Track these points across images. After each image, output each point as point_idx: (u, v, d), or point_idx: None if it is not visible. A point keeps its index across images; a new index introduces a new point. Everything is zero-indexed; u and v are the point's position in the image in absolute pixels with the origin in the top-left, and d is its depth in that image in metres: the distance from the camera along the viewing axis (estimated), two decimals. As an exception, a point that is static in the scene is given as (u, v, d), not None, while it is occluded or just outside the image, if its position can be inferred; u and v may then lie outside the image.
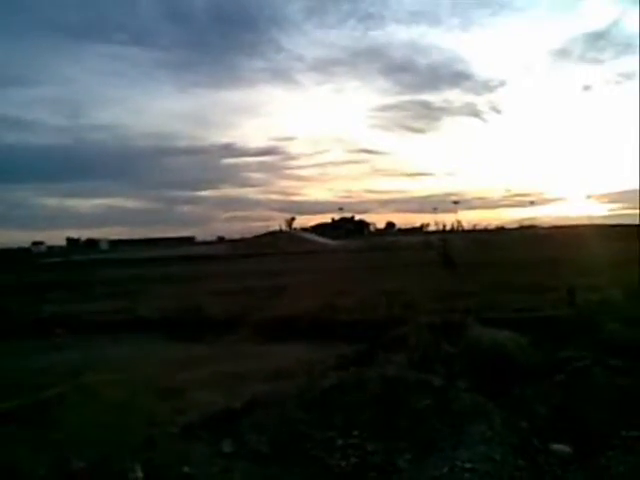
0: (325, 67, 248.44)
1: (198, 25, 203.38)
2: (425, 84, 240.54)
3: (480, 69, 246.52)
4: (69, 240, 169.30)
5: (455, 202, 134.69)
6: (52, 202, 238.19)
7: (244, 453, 5.36)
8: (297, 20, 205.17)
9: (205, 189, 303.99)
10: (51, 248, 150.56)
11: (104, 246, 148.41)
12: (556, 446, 5.14)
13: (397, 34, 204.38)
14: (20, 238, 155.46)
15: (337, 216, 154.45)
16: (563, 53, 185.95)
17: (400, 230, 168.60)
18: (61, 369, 9.97)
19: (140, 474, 4.95)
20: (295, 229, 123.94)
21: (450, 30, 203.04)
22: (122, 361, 10.54)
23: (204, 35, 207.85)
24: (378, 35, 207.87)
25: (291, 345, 11.52)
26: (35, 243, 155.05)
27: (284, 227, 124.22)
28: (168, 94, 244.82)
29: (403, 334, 8.73)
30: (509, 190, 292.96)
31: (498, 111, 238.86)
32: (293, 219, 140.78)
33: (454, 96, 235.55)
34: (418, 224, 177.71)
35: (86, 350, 11.95)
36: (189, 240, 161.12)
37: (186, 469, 5.04)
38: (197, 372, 9.38)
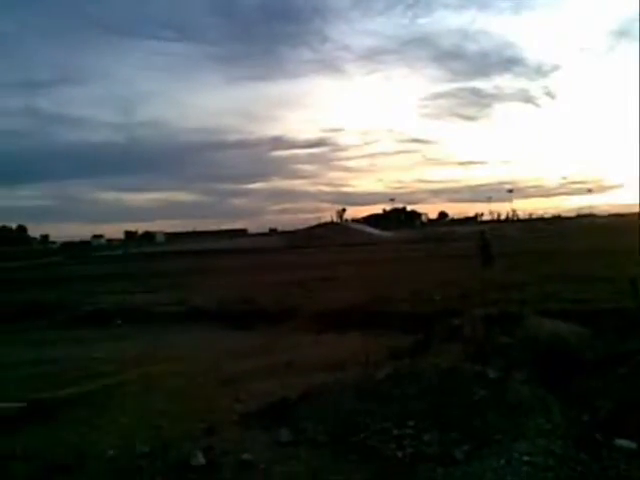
0: (373, 56, 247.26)
1: (244, 19, 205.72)
2: (475, 71, 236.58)
3: (533, 53, 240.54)
4: (127, 233, 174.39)
5: (509, 190, 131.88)
6: (110, 197, 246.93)
7: (301, 442, 5.43)
8: (343, 10, 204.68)
9: (255, 182, 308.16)
10: (110, 241, 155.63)
11: (160, 239, 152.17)
12: (620, 441, 4.99)
13: (446, 20, 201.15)
14: (81, 231, 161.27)
15: (388, 207, 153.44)
16: (621, 34, 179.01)
17: (453, 220, 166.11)
18: (122, 358, 10.33)
19: (202, 460, 5.09)
20: (346, 220, 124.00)
21: (501, 14, 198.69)
22: (180, 351, 10.83)
23: (250, 28, 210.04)
24: (426, 22, 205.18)
25: (345, 335, 11.56)
26: (95, 236, 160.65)
27: (335, 218, 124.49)
28: (217, 88, 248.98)
29: (458, 325, 8.64)
30: (565, 178, 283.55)
31: (552, 96, 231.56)
32: (344, 210, 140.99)
33: (505, 82, 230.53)
34: (472, 214, 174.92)
35: (145, 340, 12.34)
36: (242, 232, 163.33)
37: (245, 456, 5.16)
38: (253, 362, 9.55)
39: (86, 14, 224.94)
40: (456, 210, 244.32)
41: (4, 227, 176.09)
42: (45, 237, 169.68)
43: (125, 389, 8.11)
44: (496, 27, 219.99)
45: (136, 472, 5.07)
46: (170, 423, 6.46)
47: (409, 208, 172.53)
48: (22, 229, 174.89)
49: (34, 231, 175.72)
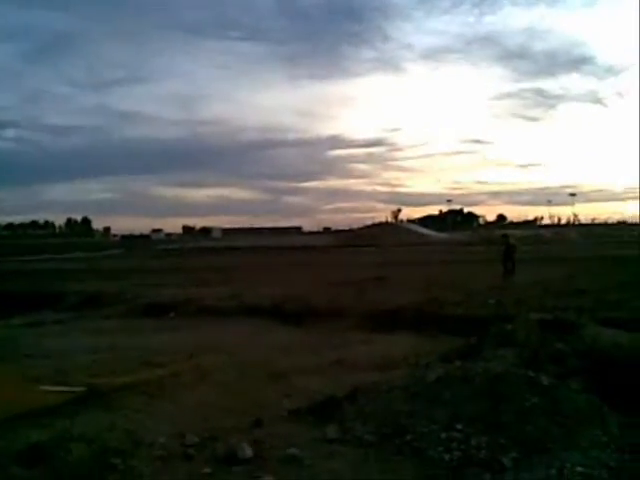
0: (435, 55, 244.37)
1: (309, 18, 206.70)
2: (542, 70, 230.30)
3: (603, 52, 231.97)
4: (185, 228, 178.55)
5: (571, 194, 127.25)
6: (170, 192, 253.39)
7: (348, 440, 5.45)
8: (406, 9, 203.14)
9: (311, 180, 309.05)
10: (169, 235, 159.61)
11: (217, 234, 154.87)
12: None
13: (513, 18, 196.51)
14: (141, 225, 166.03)
15: (445, 208, 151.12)
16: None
17: (511, 223, 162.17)
18: (175, 349, 10.60)
19: (249, 452, 5.18)
20: (401, 221, 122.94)
21: (570, 11, 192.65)
22: (231, 345, 11.01)
23: (314, 27, 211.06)
24: (493, 20, 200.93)
25: (396, 336, 11.51)
26: (154, 230, 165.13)
27: (390, 219, 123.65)
28: (278, 87, 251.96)
29: (511, 330, 8.44)
30: (633, 183, 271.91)
31: (622, 96, 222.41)
32: (399, 210, 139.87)
33: (572, 82, 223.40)
34: (531, 217, 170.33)
35: (197, 332, 12.62)
36: (296, 230, 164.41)
37: (292, 451, 5.21)
38: (303, 358, 9.63)
39: (156, 15, 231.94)
40: (515, 213, 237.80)
41: (70, 219, 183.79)
42: (107, 230, 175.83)
43: (178, 380, 8.31)
44: (565, 25, 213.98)
45: (185, 460, 5.21)
46: (220, 415, 6.60)
47: (466, 210, 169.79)
48: (87, 221, 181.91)
49: (97, 223, 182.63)
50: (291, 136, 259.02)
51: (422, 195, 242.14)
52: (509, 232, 31.19)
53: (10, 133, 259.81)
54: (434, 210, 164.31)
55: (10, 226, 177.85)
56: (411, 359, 8.92)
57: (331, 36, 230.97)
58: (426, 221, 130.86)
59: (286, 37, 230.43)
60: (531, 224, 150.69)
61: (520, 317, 9.48)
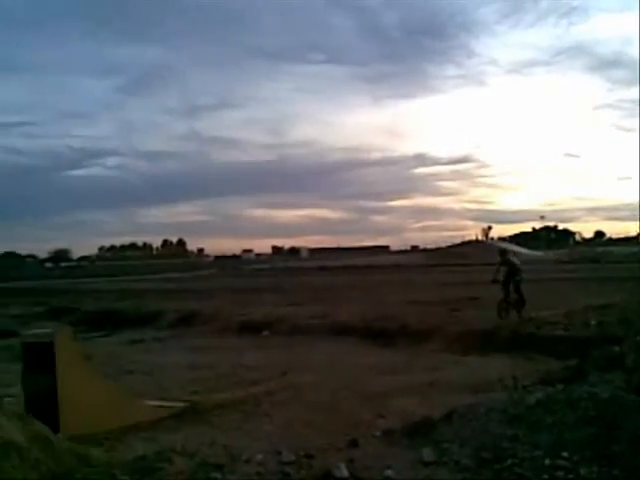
0: (521, 69, 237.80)
1: (388, 38, 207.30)
2: (637, 78, 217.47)
3: None
4: (274, 248, 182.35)
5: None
6: (259, 213, 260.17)
7: (445, 463, 5.31)
8: (490, 23, 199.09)
9: (398, 199, 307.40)
10: (259, 255, 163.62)
11: (304, 254, 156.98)
12: None
13: (604, 25, 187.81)
14: (232, 246, 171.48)
15: (538, 225, 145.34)
16: None
17: (611, 240, 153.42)
18: (268, 367, 10.81)
19: (344, 472, 5.17)
20: (492, 239, 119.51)
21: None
22: (323, 363, 11.08)
23: (394, 48, 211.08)
24: (582, 29, 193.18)
25: (490, 357, 11.16)
26: (245, 251, 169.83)
27: (480, 237, 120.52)
28: (362, 108, 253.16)
29: (619, 352, 7.95)
30: None
31: None
32: (490, 228, 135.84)
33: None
34: (633, 233, 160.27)
35: (290, 351, 12.79)
36: (384, 249, 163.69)
37: (388, 472, 5.15)
38: (395, 379, 9.53)
39: (241, 43, 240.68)
40: (614, 229, 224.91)
41: (166, 241, 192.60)
42: (201, 250, 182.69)
43: (272, 398, 8.47)
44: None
45: (282, 478, 5.27)
46: (314, 433, 6.64)
47: (561, 226, 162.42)
48: (181, 243, 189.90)
49: (192, 244, 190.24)
50: (377, 155, 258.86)
51: (513, 212, 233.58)
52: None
53: (111, 161, 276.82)
54: (526, 227, 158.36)
55: (112, 248, 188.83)
56: (507, 381, 8.60)
57: (413, 55, 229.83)
58: (518, 239, 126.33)
59: (368, 58, 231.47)
60: (632, 241, 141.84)
61: (629, 339, 8.91)
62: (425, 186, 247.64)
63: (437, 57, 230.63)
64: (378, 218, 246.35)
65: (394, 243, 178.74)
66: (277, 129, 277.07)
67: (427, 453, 5.50)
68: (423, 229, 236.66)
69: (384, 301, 20.22)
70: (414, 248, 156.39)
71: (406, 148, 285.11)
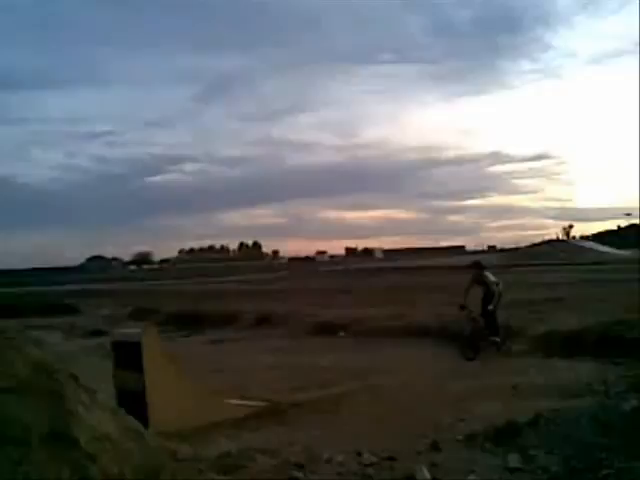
0: (602, 60, 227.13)
1: (460, 35, 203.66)
2: None
3: None
4: (348, 250, 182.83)
5: None
6: (332, 215, 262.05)
7: (532, 470, 5.13)
8: (567, 14, 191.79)
9: (472, 198, 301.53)
10: (332, 257, 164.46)
11: (379, 255, 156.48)
12: None
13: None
14: (306, 248, 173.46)
15: (623, 223, 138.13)
16: None
17: None
18: (346, 368, 10.82)
19: (427, 476, 5.10)
20: (573, 237, 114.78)
21: None
22: (401, 365, 10.97)
23: (466, 44, 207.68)
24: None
25: (575, 361, 10.68)
26: (319, 252, 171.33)
27: (561, 236, 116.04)
28: (433, 106, 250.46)
29: None
30: None
31: None
32: (571, 227, 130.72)
33: None
34: None
35: (367, 352, 12.75)
36: (460, 249, 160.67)
37: (472, 477, 5.04)
38: (476, 382, 9.30)
39: (311, 47, 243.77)
40: None
41: (242, 243, 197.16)
42: (276, 252, 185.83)
43: (350, 398, 8.48)
44: None
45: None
46: (394, 435, 6.59)
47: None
48: (257, 245, 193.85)
49: (267, 247, 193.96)
50: (450, 154, 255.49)
51: (595, 210, 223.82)
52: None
53: (189, 167, 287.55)
54: (611, 225, 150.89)
55: (191, 251, 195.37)
56: (596, 386, 8.21)
57: (486, 51, 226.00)
58: (603, 237, 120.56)
59: (438, 56, 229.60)
60: None
61: None
62: (501, 184, 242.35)
63: (511, 52, 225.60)
64: (453, 218, 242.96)
65: (470, 243, 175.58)
66: (349, 131, 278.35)
67: (512, 459, 5.33)
68: (500, 229, 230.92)
69: (460, 302, 19.75)
70: (491, 248, 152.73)
71: (480, 146, 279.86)
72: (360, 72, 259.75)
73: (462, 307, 11.98)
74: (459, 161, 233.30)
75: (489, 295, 11.71)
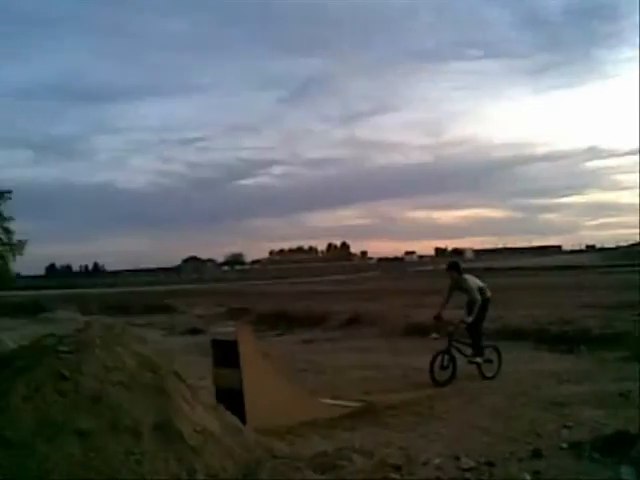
0: None
1: (549, 26, 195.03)
2: None
3: None
4: (437, 250, 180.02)
5: None
6: (421, 215, 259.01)
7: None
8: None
9: (569, 195, 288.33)
10: (421, 257, 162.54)
11: (469, 255, 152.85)
12: None
13: None
14: (395, 248, 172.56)
15: None
16: None
17: None
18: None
19: (530, 484, 4.91)
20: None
21: None
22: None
23: (556, 35, 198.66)
24: None
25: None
26: (407, 253, 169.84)
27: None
28: (523, 101, 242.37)
29: None
30: None
31: None
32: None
33: None
34: None
35: (460, 354, 12.42)
36: (556, 249, 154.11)
37: (579, 488, 4.80)
38: (578, 387, 8.86)
39: (395, 46, 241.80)
40: None
41: (330, 244, 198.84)
42: (364, 253, 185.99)
43: (446, 401, 8.32)
44: None
45: (463, 484, 5.14)
46: (492, 440, 6.38)
47: None
48: (345, 246, 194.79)
49: (355, 247, 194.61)
50: (543, 150, 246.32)
51: None
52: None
53: (276, 170, 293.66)
54: None
55: (281, 251, 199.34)
56: None
57: (578, 40, 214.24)
58: None
59: (527, 49, 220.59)
60: None
61: None
62: (600, 180, 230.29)
63: (607, 40, 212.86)
64: (548, 216, 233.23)
65: (567, 242, 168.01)
66: (435, 129, 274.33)
67: (626, 471, 5.00)
68: (600, 227, 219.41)
69: (557, 304, 18.94)
70: (590, 247, 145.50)
71: (576, 140, 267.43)
72: (445, 69, 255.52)
73: (437, 318, 10.52)
74: (552, 157, 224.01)
75: (470, 304, 9.93)
